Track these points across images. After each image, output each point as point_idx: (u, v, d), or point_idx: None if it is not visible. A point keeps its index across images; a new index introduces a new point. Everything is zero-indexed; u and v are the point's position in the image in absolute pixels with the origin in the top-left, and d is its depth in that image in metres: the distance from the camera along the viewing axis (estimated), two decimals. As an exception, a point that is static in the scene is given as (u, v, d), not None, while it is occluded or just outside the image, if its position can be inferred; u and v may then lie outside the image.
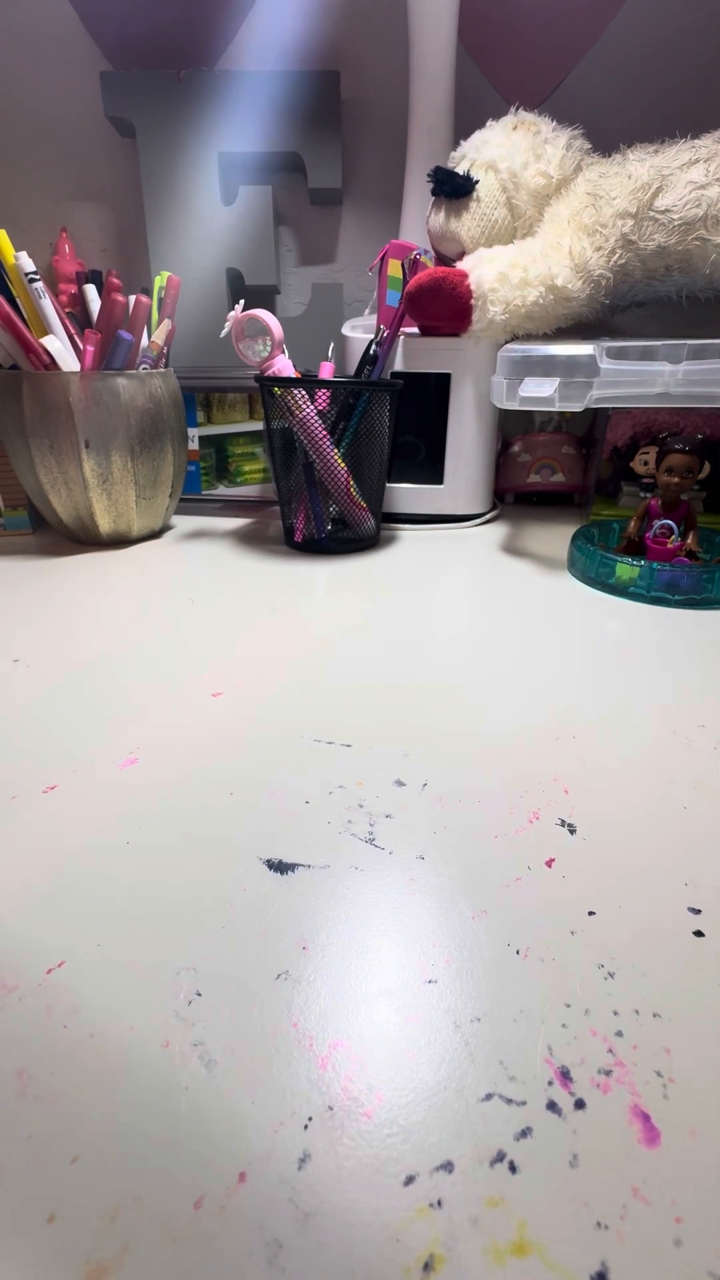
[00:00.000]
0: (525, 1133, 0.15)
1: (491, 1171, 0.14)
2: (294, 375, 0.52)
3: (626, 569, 0.45)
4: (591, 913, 0.20)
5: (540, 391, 0.46)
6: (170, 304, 0.57)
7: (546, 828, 0.24)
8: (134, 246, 0.81)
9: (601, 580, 0.46)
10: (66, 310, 0.58)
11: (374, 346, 0.56)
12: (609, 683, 0.34)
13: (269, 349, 0.51)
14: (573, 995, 0.18)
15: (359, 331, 0.62)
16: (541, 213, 0.56)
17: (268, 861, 0.22)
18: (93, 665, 0.35)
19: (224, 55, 0.73)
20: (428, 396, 0.60)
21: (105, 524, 0.55)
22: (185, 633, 0.39)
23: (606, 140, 0.57)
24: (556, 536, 0.61)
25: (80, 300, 0.57)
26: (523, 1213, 0.13)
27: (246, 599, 0.45)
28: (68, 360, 0.51)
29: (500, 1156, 0.14)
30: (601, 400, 0.46)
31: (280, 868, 0.22)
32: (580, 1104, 0.15)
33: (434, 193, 0.59)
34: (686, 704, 0.32)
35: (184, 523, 0.65)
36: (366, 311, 0.66)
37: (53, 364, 0.50)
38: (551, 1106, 0.15)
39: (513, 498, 0.74)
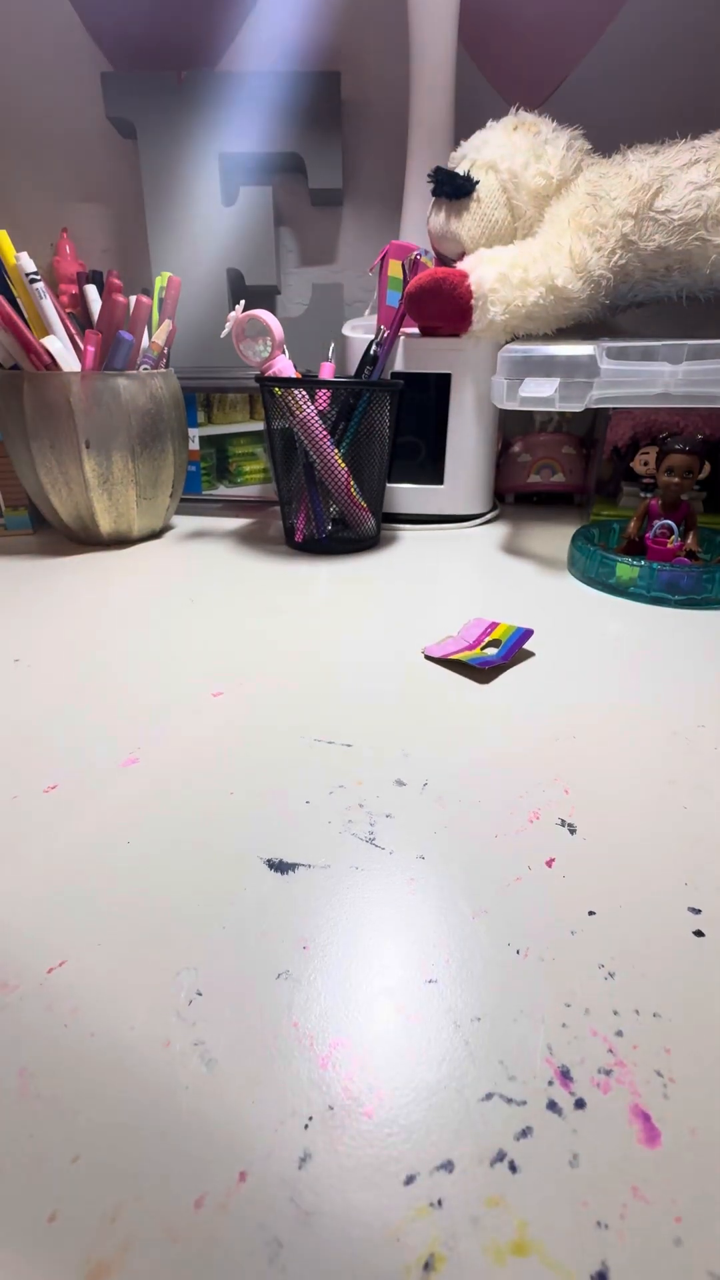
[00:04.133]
0: (525, 1132, 0.15)
1: (492, 1171, 0.14)
2: (294, 375, 0.52)
3: (627, 569, 0.45)
4: (592, 912, 0.20)
5: (540, 392, 0.46)
6: (171, 304, 0.57)
7: (546, 827, 0.24)
8: (135, 247, 0.81)
9: (602, 580, 0.46)
10: (67, 311, 0.58)
11: (374, 347, 0.56)
12: (609, 683, 0.34)
13: (269, 349, 0.51)
14: (573, 995, 0.18)
15: (359, 332, 0.62)
16: (542, 213, 0.57)
17: (268, 861, 0.22)
18: (93, 665, 0.35)
19: (225, 56, 0.74)
20: (428, 397, 0.60)
21: (106, 524, 0.55)
22: (186, 633, 0.40)
23: (607, 141, 0.57)
24: (557, 536, 0.61)
25: (81, 301, 0.57)
26: (523, 1212, 0.13)
27: (247, 599, 0.45)
28: (69, 360, 0.51)
29: (500, 1156, 0.14)
30: (602, 400, 0.46)
31: (281, 867, 0.22)
32: (580, 1103, 0.15)
33: (434, 193, 0.59)
34: (686, 704, 0.32)
35: (184, 523, 0.65)
36: (367, 312, 0.66)
37: (54, 364, 0.50)
38: (552, 1106, 0.15)
39: (513, 498, 0.74)
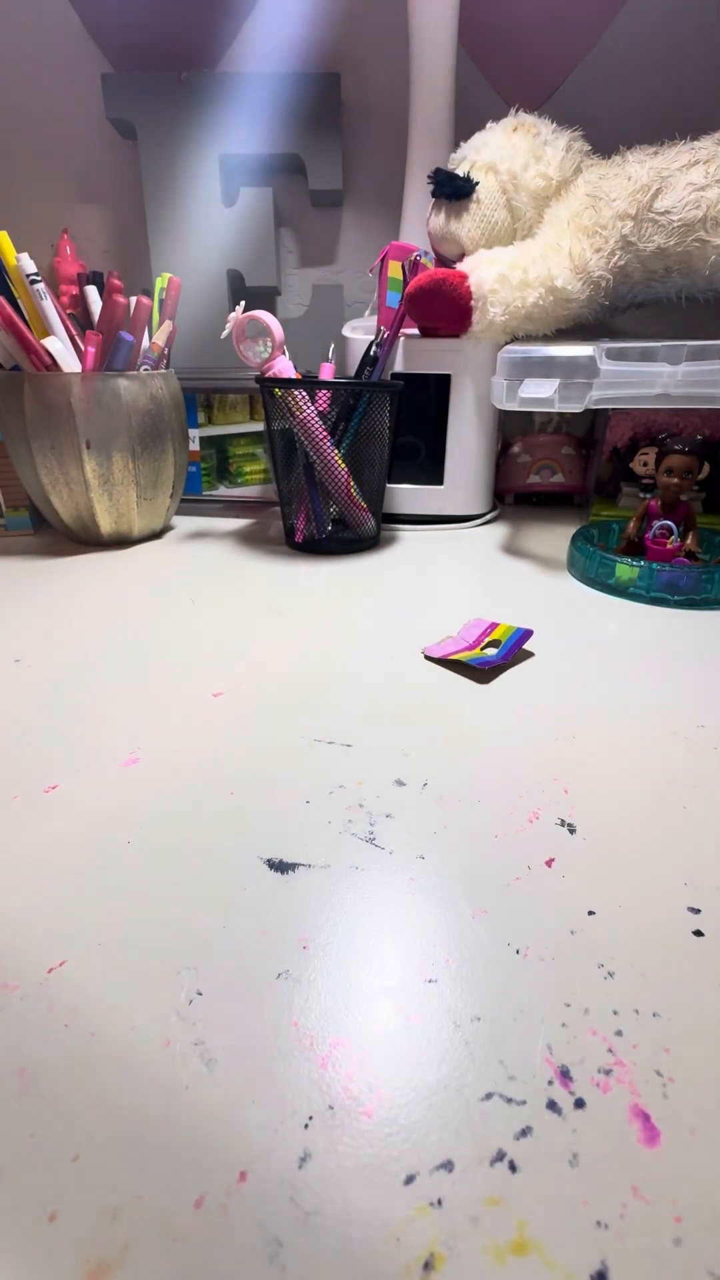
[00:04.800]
0: (525, 1132, 0.15)
1: (491, 1171, 0.14)
2: (295, 376, 0.52)
3: (626, 569, 0.45)
4: (591, 912, 0.20)
5: (540, 392, 0.47)
6: (171, 305, 0.57)
7: (546, 827, 0.24)
8: (135, 248, 0.81)
9: (601, 581, 0.47)
10: (68, 311, 0.58)
11: (374, 347, 0.56)
12: (609, 683, 0.34)
13: (270, 350, 0.51)
14: (572, 995, 0.18)
15: (359, 332, 0.63)
16: (541, 214, 0.57)
17: (268, 861, 0.22)
18: (94, 665, 0.35)
19: (225, 57, 0.74)
20: (428, 397, 0.60)
21: (106, 524, 0.55)
22: (186, 633, 0.40)
23: (606, 142, 0.57)
24: (556, 537, 0.61)
25: (82, 301, 0.57)
26: (523, 1212, 0.13)
27: (247, 599, 0.45)
28: (69, 361, 0.51)
29: (500, 1156, 0.14)
30: (601, 401, 0.46)
31: (281, 867, 0.22)
32: (580, 1103, 0.15)
33: (434, 194, 0.59)
34: (686, 704, 0.32)
35: (185, 523, 0.65)
36: (367, 313, 0.66)
37: (54, 365, 0.50)
38: (551, 1106, 0.15)
39: (513, 498, 0.74)
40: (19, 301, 0.51)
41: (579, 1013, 0.17)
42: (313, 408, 0.51)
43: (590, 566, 0.47)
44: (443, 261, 0.63)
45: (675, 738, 0.29)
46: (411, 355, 0.59)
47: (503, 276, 0.53)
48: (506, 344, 0.53)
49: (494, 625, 0.39)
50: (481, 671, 0.35)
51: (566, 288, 0.52)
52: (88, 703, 0.32)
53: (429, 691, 0.33)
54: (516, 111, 0.58)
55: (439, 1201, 0.14)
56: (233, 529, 0.63)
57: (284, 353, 0.52)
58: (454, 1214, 0.13)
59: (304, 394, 0.50)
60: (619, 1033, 0.17)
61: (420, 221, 0.66)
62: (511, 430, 0.74)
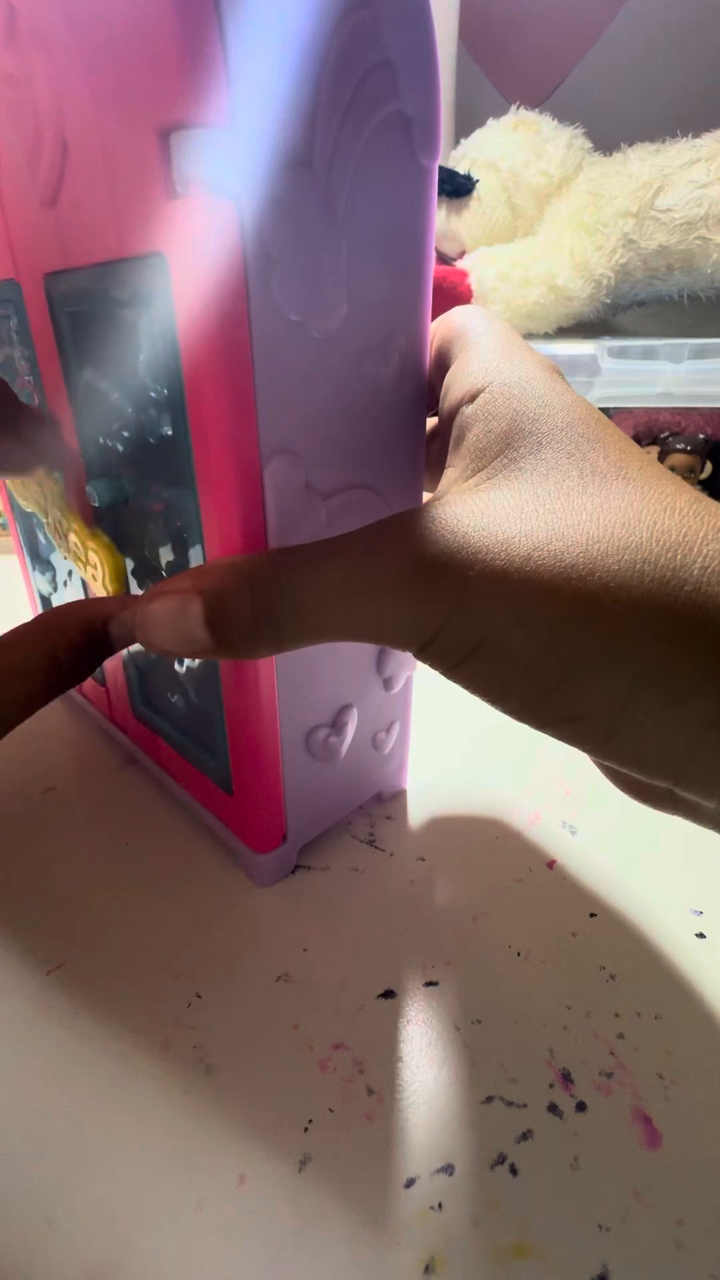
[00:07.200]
0: (526, 1135, 0.15)
1: (492, 1174, 0.14)
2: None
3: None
4: (593, 914, 0.20)
5: (541, 391, 0.46)
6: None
7: (548, 829, 0.23)
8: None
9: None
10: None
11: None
12: (610, 683, 0.34)
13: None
14: (574, 997, 0.18)
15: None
16: (542, 212, 0.56)
17: (268, 862, 0.22)
18: (94, 666, 0.35)
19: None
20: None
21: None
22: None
23: (607, 139, 0.57)
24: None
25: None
26: (524, 1215, 0.13)
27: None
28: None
29: (501, 1159, 0.14)
30: (603, 400, 0.46)
31: (281, 869, 0.22)
32: (581, 1106, 0.15)
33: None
34: (688, 704, 0.32)
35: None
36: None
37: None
38: (553, 1109, 0.15)
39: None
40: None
41: (580, 1015, 0.17)
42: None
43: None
44: (443, 259, 0.63)
45: (677, 738, 0.29)
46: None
47: (504, 274, 0.53)
48: (507, 342, 0.53)
49: None
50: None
51: (568, 285, 0.52)
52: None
53: (428, 691, 0.33)
54: (517, 109, 0.58)
55: (439, 1205, 0.14)
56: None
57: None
58: (455, 1217, 0.13)
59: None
60: (621, 1035, 0.17)
61: (421, 219, 0.65)
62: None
